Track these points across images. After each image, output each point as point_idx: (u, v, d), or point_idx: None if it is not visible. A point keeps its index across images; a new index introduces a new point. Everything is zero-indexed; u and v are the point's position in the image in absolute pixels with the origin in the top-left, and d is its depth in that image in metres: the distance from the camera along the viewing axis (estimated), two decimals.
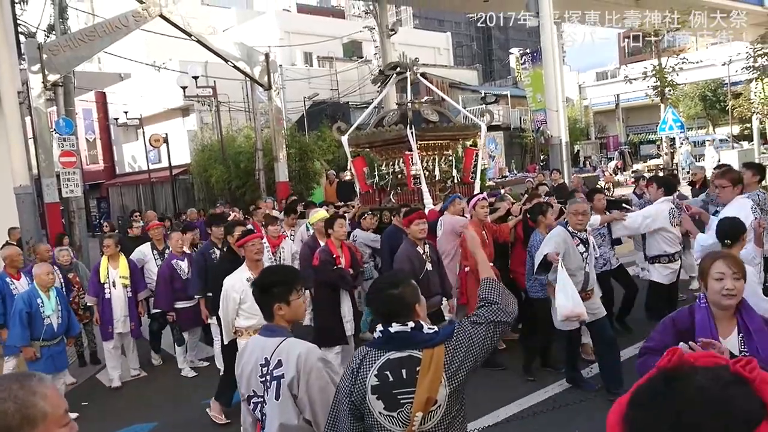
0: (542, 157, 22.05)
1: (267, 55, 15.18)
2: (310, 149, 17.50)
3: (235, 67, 14.60)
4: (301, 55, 30.63)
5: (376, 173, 8.46)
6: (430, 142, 8.13)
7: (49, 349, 5.70)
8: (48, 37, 15.99)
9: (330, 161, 18.69)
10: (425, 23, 49.90)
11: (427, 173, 7.91)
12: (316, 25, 31.19)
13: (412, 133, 7.60)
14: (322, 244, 6.21)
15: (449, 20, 54.92)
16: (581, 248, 5.15)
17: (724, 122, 31.85)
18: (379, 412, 2.24)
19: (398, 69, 8.69)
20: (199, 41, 13.65)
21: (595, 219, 6.12)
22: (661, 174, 16.98)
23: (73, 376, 7.05)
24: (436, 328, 2.32)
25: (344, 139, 8.66)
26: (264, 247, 5.69)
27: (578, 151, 33.57)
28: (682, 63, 16.18)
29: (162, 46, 20.75)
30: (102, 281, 6.79)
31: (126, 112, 24.16)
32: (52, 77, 11.39)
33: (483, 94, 25.48)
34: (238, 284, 4.72)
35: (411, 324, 2.28)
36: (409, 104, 8.26)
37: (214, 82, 19.17)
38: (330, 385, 2.58)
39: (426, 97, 9.67)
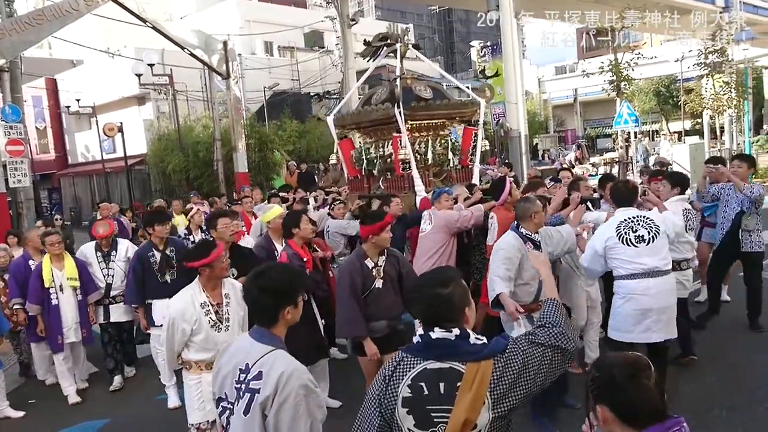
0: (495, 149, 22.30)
1: (225, 44, 14.91)
2: (270, 140, 17.30)
3: (192, 55, 14.30)
4: (262, 45, 30.15)
5: (363, 157, 7.59)
6: (423, 122, 7.22)
7: None
8: None
9: (290, 152, 18.52)
10: (387, 14, 49.75)
11: (419, 156, 7.07)
12: (276, 14, 30.70)
13: (400, 112, 6.73)
14: (277, 245, 5.43)
15: (411, 12, 54.96)
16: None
17: (677, 117, 32.77)
18: (408, 429, 1.98)
19: (388, 41, 7.68)
20: (154, 28, 13.28)
21: (599, 215, 5.38)
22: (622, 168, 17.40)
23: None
24: (485, 340, 2.03)
25: (330, 119, 7.99)
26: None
27: (537, 144, 34.10)
28: (637, 58, 16.55)
29: (116, 33, 20.07)
30: (46, 286, 5.93)
31: (78, 100, 23.35)
32: None
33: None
34: (189, 312, 3.77)
35: (456, 331, 2.00)
36: (397, 80, 7.25)
37: (171, 70, 18.72)
38: (304, 418, 2.28)
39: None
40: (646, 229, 4.36)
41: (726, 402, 4.60)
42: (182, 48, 14.08)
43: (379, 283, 4.43)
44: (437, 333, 2.00)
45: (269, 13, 30.97)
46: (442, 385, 1.95)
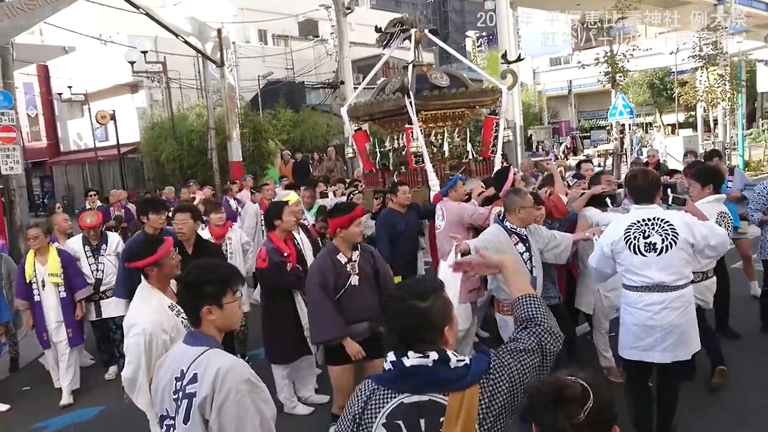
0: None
1: (219, 31, 14.75)
2: (264, 129, 17.21)
3: (186, 42, 14.13)
4: (256, 33, 29.95)
5: (377, 150, 7.19)
6: (438, 111, 6.75)
7: None
8: None
9: (284, 141, 18.46)
10: (382, 3, 49.51)
11: (434, 149, 6.67)
12: (270, 2, 30.47)
13: (410, 102, 6.27)
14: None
15: (406, 1, 54.71)
16: (520, 247, 4.15)
17: (671, 110, 32.87)
18: None
19: (403, 26, 7.22)
20: (147, 14, 13.13)
21: (612, 216, 4.59)
22: (623, 160, 17.42)
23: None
24: (467, 360, 1.73)
25: (343, 110, 7.54)
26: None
27: (531, 135, 34.12)
28: (633, 50, 16.57)
29: (109, 19, 19.93)
30: (28, 281, 5.60)
31: (70, 87, 23.16)
32: None
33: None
34: (165, 320, 3.21)
35: (434, 355, 1.70)
36: (408, 68, 6.85)
37: (164, 57, 18.56)
38: (251, 415, 2.09)
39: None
40: (662, 235, 3.60)
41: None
42: (176, 35, 13.93)
43: (354, 280, 4.00)
44: (412, 359, 1.70)
45: (263, 1, 30.76)
46: (422, 421, 1.69)
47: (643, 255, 3.62)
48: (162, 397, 2.27)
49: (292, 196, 5.81)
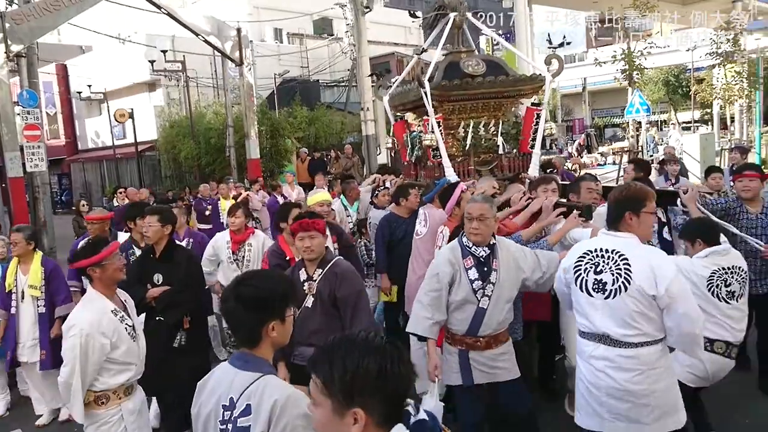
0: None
1: (239, 30, 14.92)
2: (281, 126, 17.35)
3: (206, 41, 14.32)
4: (271, 31, 30.13)
5: (408, 141, 6.78)
6: (468, 102, 6.15)
7: None
8: (10, 5, 15.36)
9: (299, 139, 18.59)
10: (396, 2, 49.50)
11: (457, 142, 6.19)
12: (286, 1, 30.65)
13: (425, 92, 5.84)
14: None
15: None
16: (473, 273, 3.30)
17: (686, 107, 32.63)
18: None
19: (443, 10, 6.64)
20: (168, 14, 13.32)
21: (586, 233, 3.68)
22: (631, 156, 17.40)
23: None
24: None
25: (385, 99, 6.94)
26: None
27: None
28: (650, 47, 16.53)
29: (126, 18, 20.15)
30: (7, 290, 5.05)
31: (90, 86, 23.45)
32: (15, 47, 10.98)
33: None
34: (106, 323, 3.11)
35: None
36: (420, 54, 6.50)
37: (184, 56, 18.77)
38: None
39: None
40: (614, 274, 2.77)
41: None
42: (196, 34, 14.11)
43: (309, 301, 3.54)
44: None
45: None
46: None
47: (590, 294, 2.85)
48: (206, 424, 2.06)
49: (320, 194, 5.49)
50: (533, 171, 5.91)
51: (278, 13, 28.41)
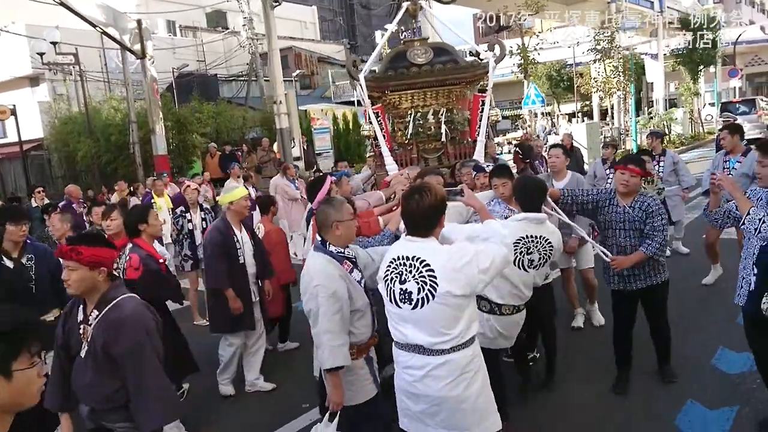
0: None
1: (139, 22, 14.31)
2: (188, 122, 16.83)
3: (104, 33, 13.59)
4: (164, 24, 28.92)
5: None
6: (412, 92, 6.09)
7: None
8: None
9: (203, 134, 18.14)
10: None
11: (399, 132, 6.23)
12: None
13: (360, 84, 5.82)
14: (236, 231, 4.82)
15: None
16: (356, 274, 3.08)
17: (568, 99, 35.21)
18: None
19: None
20: (62, 3, 12.47)
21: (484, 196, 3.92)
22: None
23: None
24: None
25: (361, 77, 6.04)
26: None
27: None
28: (542, 43, 17.83)
29: (3, 8, 18.58)
30: None
31: None
32: None
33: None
34: None
35: None
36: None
37: (76, 49, 17.63)
38: None
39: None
40: (419, 283, 2.64)
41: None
42: (93, 26, 13.35)
43: (83, 350, 2.79)
44: None
45: None
46: None
47: (398, 305, 2.71)
48: None
49: (239, 190, 5.02)
50: (478, 157, 5.86)
51: (170, 4, 27.31)
